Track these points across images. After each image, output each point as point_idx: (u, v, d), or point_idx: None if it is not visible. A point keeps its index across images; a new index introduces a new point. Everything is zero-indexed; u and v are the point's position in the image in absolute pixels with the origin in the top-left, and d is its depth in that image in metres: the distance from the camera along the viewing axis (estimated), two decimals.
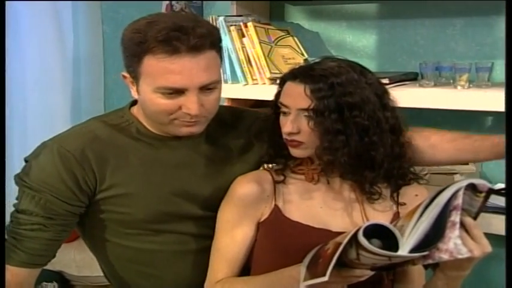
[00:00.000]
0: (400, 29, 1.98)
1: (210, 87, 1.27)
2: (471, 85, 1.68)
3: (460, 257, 1.02)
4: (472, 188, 1.05)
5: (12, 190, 1.34)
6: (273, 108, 1.32)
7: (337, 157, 1.22)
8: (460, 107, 1.64)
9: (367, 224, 1.00)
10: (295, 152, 1.28)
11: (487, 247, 1.07)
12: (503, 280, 1.89)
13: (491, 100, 1.60)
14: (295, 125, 1.24)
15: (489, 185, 1.06)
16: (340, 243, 1.02)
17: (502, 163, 1.82)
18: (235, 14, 2.06)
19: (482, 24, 1.84)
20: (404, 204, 1.29)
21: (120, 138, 1.34)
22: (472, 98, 1.62)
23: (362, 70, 1.27)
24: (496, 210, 1.60)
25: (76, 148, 1.29)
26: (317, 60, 1.31)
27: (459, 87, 1.66)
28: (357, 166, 1.24)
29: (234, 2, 2.06)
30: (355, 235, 1.00)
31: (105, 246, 1.37)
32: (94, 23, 2.65)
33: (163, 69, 1.22)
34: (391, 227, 1.01)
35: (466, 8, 1.86)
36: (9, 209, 1.33)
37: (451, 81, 1.71)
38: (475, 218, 1.08)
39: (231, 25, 1.93)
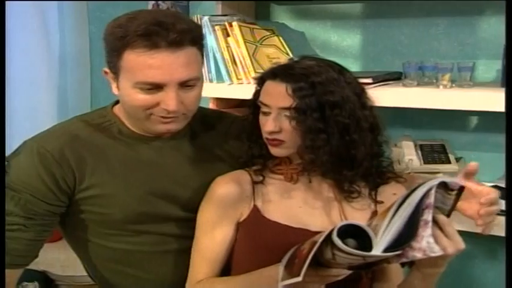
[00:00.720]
0: (385, 29, 1.99)
1: (189, 84, 1.26)
2: (453, 85, 1.69)
3: (432, 255, 1.03)
4: (444, 186, 1.06)
5: None
6: (252, 108, 1.32)
7: (319, 155, 1.23)
8: (442, 107, 1.65)
9: (341, 224, 1.01)
10: (275, 151, 1.28)
11: (460, 244, 1.08)
12: (477, 277, 1.92)
13: (473, 99, 1.61)
14: (277, 124, 1.24)
15: (461, 183, 1.08)
16: (315, 243, 1.03)
17: (485, 162, 1.85)
18: (220, 13, 2.06)
19: (464, 24, 1.85)
20: (382, 202, 1.29)
21: (100, 138, 1.34)
22: (453, 97, 1.63)
23: (340, 69, 1.28)
24: None
25: (55, 148, 1.29)
26: (295, 59, 1.31)
27: (441, 87, 1.67)
28: (337, 164, 1.24)
29: (220, 1, 2.06)
30: (329, 235, 1.00)
31: (87, 246, 1.37)
32: (80, 23, 2.64)
33: (142, 63, 1.22)
34: (364, 226, 1.02)
35: (449, 8, 1.87)
36: None
37: (434, 80, 1.72)
38: (448, 216, 1.09)
39: (216, 24, 1.93)
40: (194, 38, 1.26)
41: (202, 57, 1.32)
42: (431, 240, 1.03)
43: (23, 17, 2.39)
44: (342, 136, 1.23)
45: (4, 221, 1.26)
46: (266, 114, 1.27)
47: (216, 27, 1.93)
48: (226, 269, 1.33)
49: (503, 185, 1.72)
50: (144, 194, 1.33)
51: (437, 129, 1.91)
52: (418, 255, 1.03)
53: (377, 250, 1.00)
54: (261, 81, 1.31)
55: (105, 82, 2.78)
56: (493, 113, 1.71)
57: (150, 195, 1.33)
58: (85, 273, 1.56)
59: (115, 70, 1.28)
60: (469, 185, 1.19)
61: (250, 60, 1.90)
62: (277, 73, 1.26)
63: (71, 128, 1.35)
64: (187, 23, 1.26)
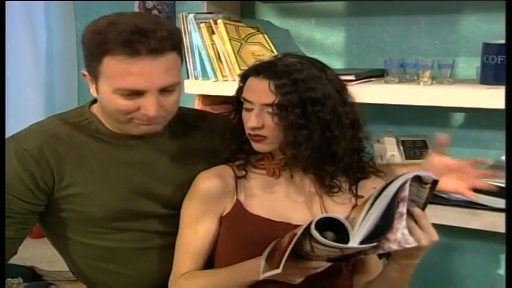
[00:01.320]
0: (367, 27, 2.01)
1: (169, 89, 1.28)
2: (434, 81, 1.71)
3: (407, 246, 1.06)
4: (418, 180, 1.09)
5: None
6: (235, 104, 1.34)
7: (300, 151, 1.25)
8: (422, 103, 1.68)
9: (319, 217, 1.03)
10: (258, 146, 1.30)
11: (434, 236, 1.11)
12: (456, 270, 1.95)
13: (453, 96, 1.64)
14: (260, 120, 1.26)
15: (434, 177, 1.10)
16: (295, 236, 1.05)
17: (466, 158, 1.88)
18: (205, 11, 2.08)
19: (445, 22, 1.88)
20: (363, 196, 1.31)
21: (79, 136, 1.35)
22: (434, 94, 1.66)
23: (322, 66, 1.30)
24: (454, 203, 1.64)
25: (33, 147, 1.29)
26: (278, 56, 1.33)
27: (422, 84, 1.70)
28: (318, 160, 1.26)
29: (205, 1, 2.07)
30: (308, 228, 1.02)
31: (68, 244, 1.38)
32: (67, 20, 2.64)
33: (123, 70, 1.23)
34: (341, 219, 1.04)
35: (430, 7, 1.89)
36: None
37: (415, 77, 1.75)
38: (423, 209, 1.12)
39: (201, 22, 1.94)
40: (174, 44, 1.28)
41: (182, 60, 1.33)
42: (406, 232, 1.05)
43: (10, 16, 2.39)
44: (323, 132, 1.25)
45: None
46: (249, 110, 1.29)
47: (201, 25, 1.94)
48: (209, 263, 1.34)
49: (482, 180, 1.75)
50: (125, 191, 1.34)
51: (419, 125, 1.93)
52: (394, 246, 1.06)
53: (354, 242, 1.02)
54: (244, 78, 1.33)
55: None
56: (472, 110, 1.74)
57: (131, 192, 1.34)
58: None
59: (94, 74, 1.28)
60: (445, 159, 1.24)
61: (235, 57, 1.92)
62: (260, 70, 1.28)
63: (49, 127, 1.35)
64: (167, 28, 1.27)
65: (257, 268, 1.16)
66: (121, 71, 1.23)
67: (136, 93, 1.25)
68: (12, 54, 2.43)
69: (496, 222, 1.57)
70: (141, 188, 1.35)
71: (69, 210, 1.33)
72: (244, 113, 1.31)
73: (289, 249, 1.03)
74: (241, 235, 1.29)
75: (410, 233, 1.07)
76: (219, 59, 1.94)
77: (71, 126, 1.35)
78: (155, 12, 2.44)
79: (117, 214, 1.34)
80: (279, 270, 1.04)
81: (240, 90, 1.33)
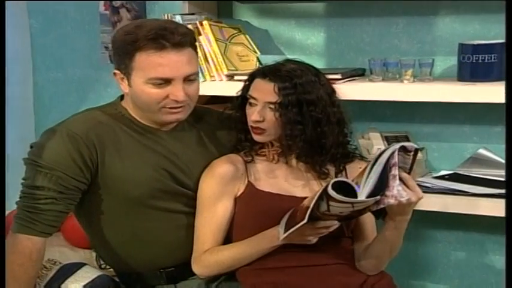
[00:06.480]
0: (347, 27, 2.50)
1: (191, 79, 1.81)
2: (415, 79, 2.21)
3: (402, 199, 1.60)
4: (403, 149, 1.63)
5: None
6: (239, 100, 1.85)
7: (295, 142, 1.79)
8: (407, 99, 2.19)
9: (333, 180, 1.55)
10: (257, 138, 1.83)
11: (420, 193, 1.66)
12: (426, 251, 2.46)
13: (434, 92, 2.15)
14: (262, 115, 1.79)
15: (416, 146, 1.65)
16: (314, 197, 1.55)
17: (445, 151, 2.38)
18: (183, 12, 2.49)
19: (422, 23, 2.39)
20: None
21: (117, 125, 1.85)
22: (416, 90, 2.17)
23: (317, 73, 1.85)
24: (440, 191, 2.14)
25: (83, 131, 1.79)
26: (280, 61, 1.86)
27: (405, 81, 2.20)
28: (309, 150, 1.80)
29: (186, 1, 2.48)
30: (325, 190, 1.52)
31: (102, 225, 1.86)
32: (20, 17, 2.95)
33: (154, 62, 1.75)
34: (350, 181, 1.58)
35: (407, 8, 2.40)
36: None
37: (397, 75, 2.24)
38: (408, 173, 1.66)
39: (188, 23, 2.36)
40: (191, 41, 1.84)
41: (197, 58, 1.86)
42: (400, 188, 1.60)
43: None
44: (315, 128, 1.79)
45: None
46: (252, 105, 1.82)
47: (188, 26, 2.35)
48: (225, 242, 1.84)
49: (462, 172, 2.26)
50: (154, 174, 1.84)
51: (400, 122, 2.43)
52: (391, 201, 1.60)
53: (362, 197, 1.55)
54: (250, 78, 1.86)
55: (49, 80, 3.12)
56: (450, 106, 2.25)
57: (159, 175, 1.84)
58: None
59: (126, 70, 1.80)
60: None
61: (222, 58, 2.36)
62: (266, 73, 1.82)
63: (92, 116, 1.87)
64: (185, 27, 1.85)
65: (277, 234, 1.68)
66: (152, 63, 1.75)
67: (166, 82, 1.77)
68: None
69: (474, 205, 2.09)
70: (167, 172, 1.85)
71: (107, 190, 1.82)
72: (248, 108, 1.84)
73: (313, 203, 1.53)
74: (256, 210, 1.80)
75: (402, 189, 1.60)
76: (206, 59, 2.38)
77: (110, 117, 1.86)
78: (123, 10, 2.84)
79: (148, 193, 1.83)
80: (305, 221, 1.55)
81: (246, 88, 1.86)
